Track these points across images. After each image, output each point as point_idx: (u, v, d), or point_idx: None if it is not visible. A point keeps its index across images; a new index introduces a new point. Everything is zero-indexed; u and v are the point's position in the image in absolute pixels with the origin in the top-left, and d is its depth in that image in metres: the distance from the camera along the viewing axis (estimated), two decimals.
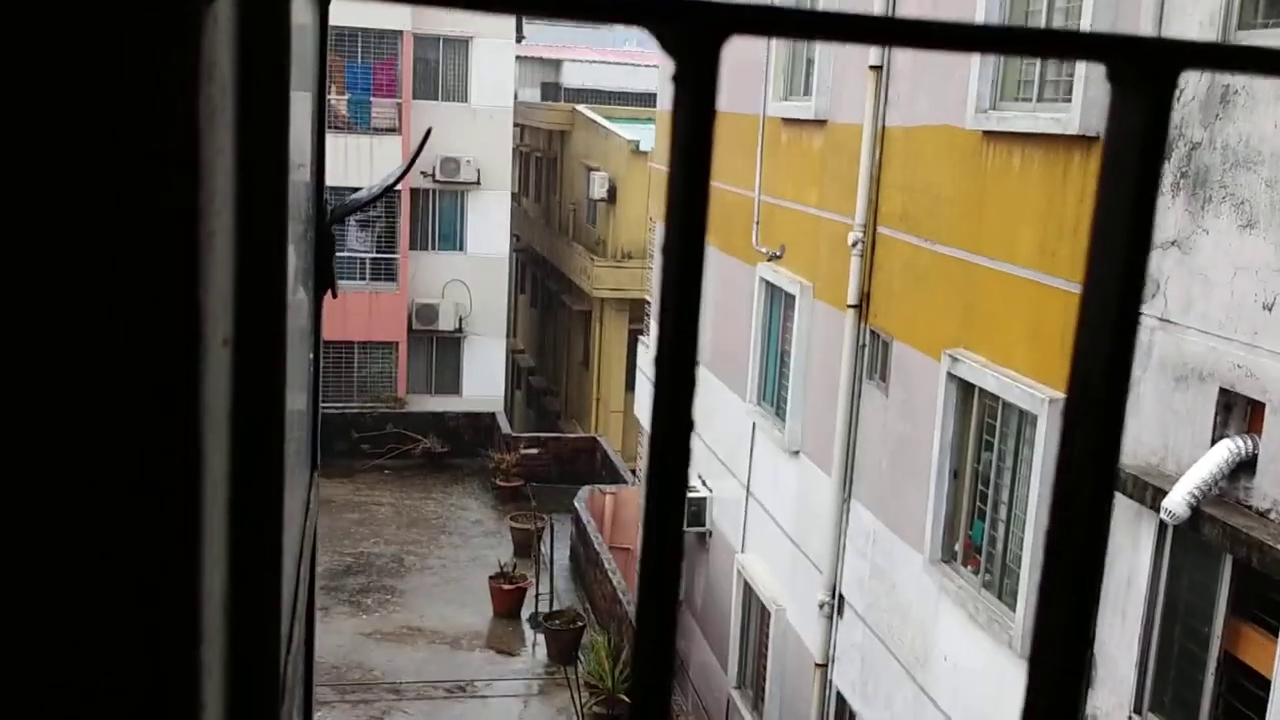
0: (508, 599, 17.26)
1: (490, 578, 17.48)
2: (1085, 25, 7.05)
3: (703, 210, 0.41)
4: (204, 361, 0.41)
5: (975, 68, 8.26)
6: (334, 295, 1.65)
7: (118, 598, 0.41)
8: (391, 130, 25.10)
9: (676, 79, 0.38)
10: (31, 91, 0.37)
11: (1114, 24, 6.88)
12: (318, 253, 1.47)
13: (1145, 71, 0.40)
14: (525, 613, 17.32)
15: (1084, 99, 7.01)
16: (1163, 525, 6.18)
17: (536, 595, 17.15)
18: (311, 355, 1.60)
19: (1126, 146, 0.41)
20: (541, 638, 16.44)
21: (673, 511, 0.44)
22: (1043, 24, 7.80)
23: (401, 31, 24.94)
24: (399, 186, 24.92)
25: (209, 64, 0.39)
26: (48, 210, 0.38)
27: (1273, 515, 5.58)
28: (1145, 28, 6.49)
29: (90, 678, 0.41)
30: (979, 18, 8.25)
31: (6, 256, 0.38)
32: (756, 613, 12.63)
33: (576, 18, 0.37)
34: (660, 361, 0.39)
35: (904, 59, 9.62)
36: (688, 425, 0.39)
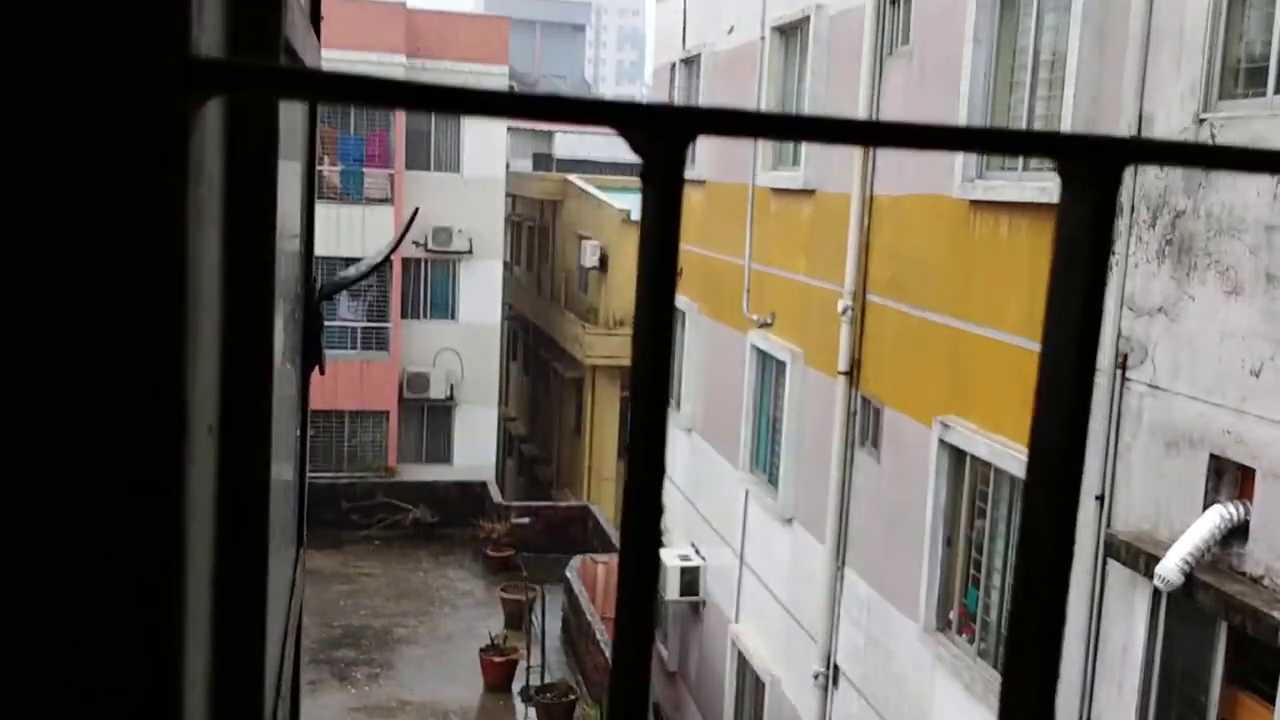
0: (499, 671, 17.01)
1: (481, 650, 17.25)
2: (1069, 96, 7.19)
3: (669, 297, 0.43)
4: (188, 451, 0.42)
5: None
6: (321, 372, 1.67)
7: (97, 690, 0.42)
8: (384, 200, 25.33)
9: (643, 176, 0.40)
10: (22, 188, 0.39)
11: (1097, 95, 7.02)
12: (306, 330, 1.49)
13: (1092, 167, 0.42)
14: (516, 685, 17.05)
15: None
16: (1156, 592, 6.15)
17: (528, 667, 16.90)
18: (299, 431, 1.60)
19: (1076, 238, 0.43)
20: (533, 711, 16.17)
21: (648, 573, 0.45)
22: (1026, 96, 7.95)
23: None
24: (391, 256, 25.07)
25: (196, 165, 0.41)
26: (34, 303, 0.40)
27: (1266, 581, 5.56)
28: (1128, 99, 6.63)
29: None
30: (963, 90, 8.41)
31: None
32: (751, 684, 12.47)
33: (550, 120, 0.39)
34: (632, 455, 0.41)
35: None
36: (656, 536, 0.41)
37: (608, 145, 39.39)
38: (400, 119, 25.42)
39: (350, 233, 24.29)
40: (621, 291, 25.10)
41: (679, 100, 15.35)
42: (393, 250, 2.62)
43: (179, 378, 0.41)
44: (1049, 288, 0.44)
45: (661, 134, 0.39)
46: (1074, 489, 0.45)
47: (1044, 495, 0.44)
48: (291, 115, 1.37)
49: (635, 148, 0.40)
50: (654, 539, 0.44)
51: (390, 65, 25.07)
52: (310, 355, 1.53)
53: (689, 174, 10.85)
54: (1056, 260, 0.44)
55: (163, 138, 0.39)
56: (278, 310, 1.13)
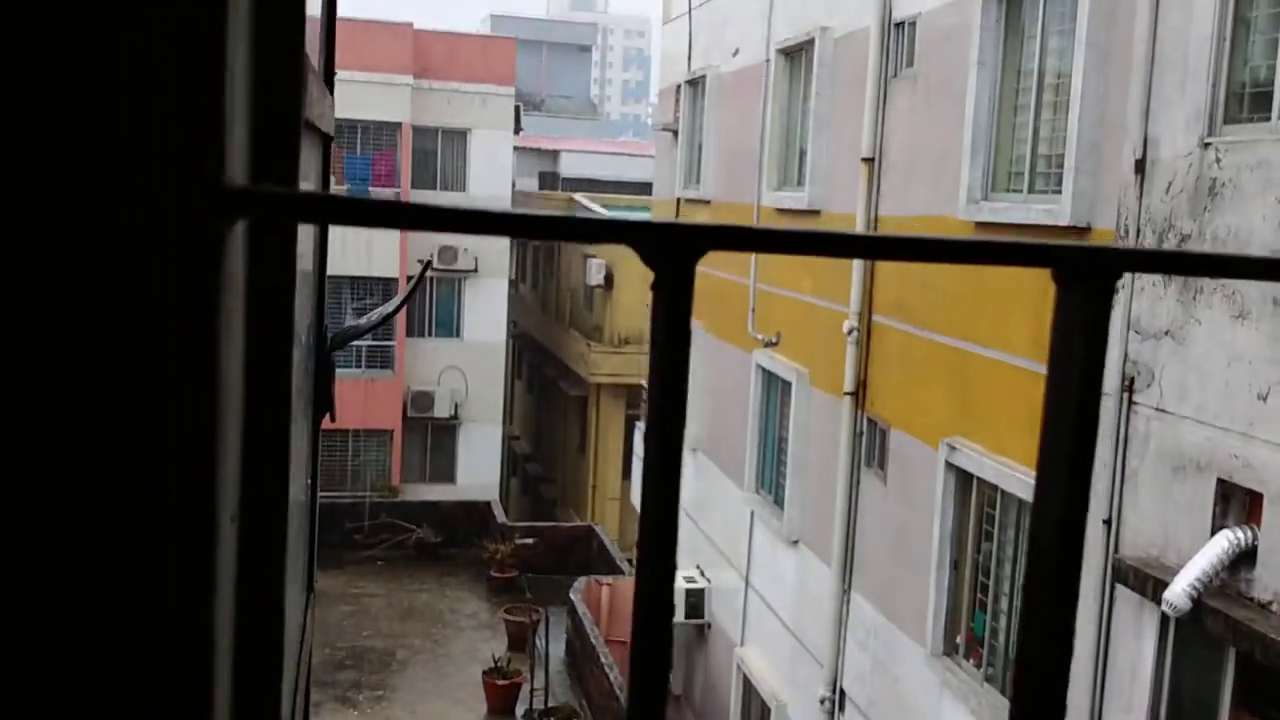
0: (502, 695, 16.95)
1: (484, 673, 17.19)
2: (1073, 119, 7.21)
3: (682, 400, 0.44)
4: (216, 542, 0.44)
5: (967, 158, 8.43)
6: (333, 419, 1.68)
7: None
8: None
9: (655, 288, 0.42)
10: (74, 307, 0.41)
11: (1101, 119, 7.04)
12: (317, 379, 1.50)
13: (1087, 274, 0.44)
14: (520, 709, 16.99)
15: (1074, 191, 7.15)
16: (1165, 617, 6.13)
17: (531, 691, 16.84)
18: (309, 480, 1.62)
19: (1072, 340, 0.44)
20: None
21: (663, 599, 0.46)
22: (1030, 119, 7.98)
23: (400, 123, 25.41)
24: (397, 275, 25.14)
25: (228, 278, 0.43)
26: (76, 409, 0.42)
27: (1274, 607, 5.54)
28: (1133, 123, 6.64)
29: None
30: (967, 113, 8.44)
31: (29, 454, 0.41)
32: (757, 708, 12.41)
33: (569, 239, 0.41)
34: (642, 550, 0.42)
35: (896, 150, 9.82)
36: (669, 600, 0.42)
37: (613, 164, 39.52)
38: (407, 138, 25.53)
39: (357, 252, 24.37)
40: (626, 310, 25.14)
41: (685, 120, 15.40)
42: (403, 303, 2.64)
43: (210, 476, 0.43)
44: (1046, 383, 0.45)
45: (673, 249, 0.40)
46: (1073, 580, 0.46)
47: (1042, 590, 0.46)
48: (306, 162, 1.39)
49: (647, 261, 0.41)
50: (667, 609, 0.45)
51: (397, 85, 25.20)
52: (321, 403, 1.55)
53: (695, 194, 10.82)
54: (1053, 358, 0.45)
55: (197, 260, 0.41)
56: (295, 368, 1.14)
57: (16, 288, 0.40)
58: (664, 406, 0.43)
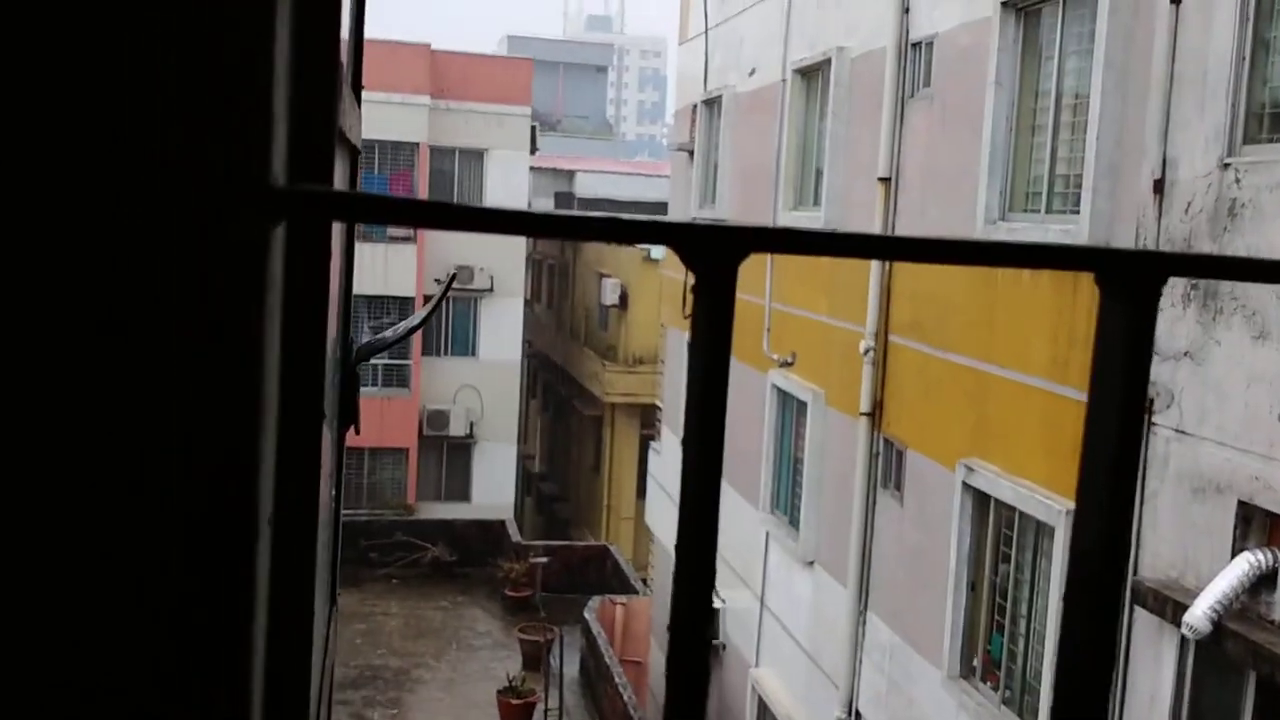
0: (516, 714, 16.88)
1: (498, 692, 17.13)
2: (1091, 139, 7.20)
3: (722, 403, 0.44)
4: (257, 545, 0.44)
5: (984, 178, 8.41)
6: (357, 432, 1.69)
7: None
8: (407, 240, 25.53)
9: (696, 291, 0.42)
10: (122, 311, 0.41)
11: (1120, 139, 7.03)
12: (343, 391, 1.51)
13: (1131, 279, 0.43)
14: None
15: (1092, 211, 7.12)
16: (1184, 640, 6.07)
17: (546, 710, 16.77)
18: (334, 491, 1.62)
19: (1116, 346, 0.44)
20: None
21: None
22: (1048, 139, 7.97)
23: (418, 144, 25.55)
24: (414, 294, 25.24)
25: (271, 278, 0.43)
26: (124, 409, 0.42)
27: None
28: (1151, 143, 6.63)
29: None
30: (985, 133, 8.43)
31: (77, 457, 0.41)
32: None
33: (611, 240, 0.41)
34: (680, 562, 0.42)
35: (913, 170, 9.81)
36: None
37: (629, 184, 39.64)
38: (424, 157, 25.67)
39: (374, 271, 24.47)
40: (641, 329, 25.15)
41: (701, 140, 15.45)
42: (430, 315, 2.66)
43: (253, 479, 0.43)
44: (1089, 399, 0.45)
45: (715, 251, 0.40)
46: (1116, 593, 0.46)
47: (1084, 598, 0.45)
48: (338, 172, 1.40)
49: (689, 264, 0.41)
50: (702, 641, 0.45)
51: (415, 105, 25.36)
52: (346, 416, 1.55)
53: (710, 213, 10.83)
54: (1096, 368, 0.45)
55: (246, 260, 0.41)
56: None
57: (67, 289, 0.41)
58: (704, 411, 0.43)
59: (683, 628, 0.46)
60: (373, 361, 25.86)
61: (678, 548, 0.46)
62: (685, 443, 0.45)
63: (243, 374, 0.42)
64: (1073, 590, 0.48)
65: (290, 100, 0.49)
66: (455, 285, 26.03)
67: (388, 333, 2.70)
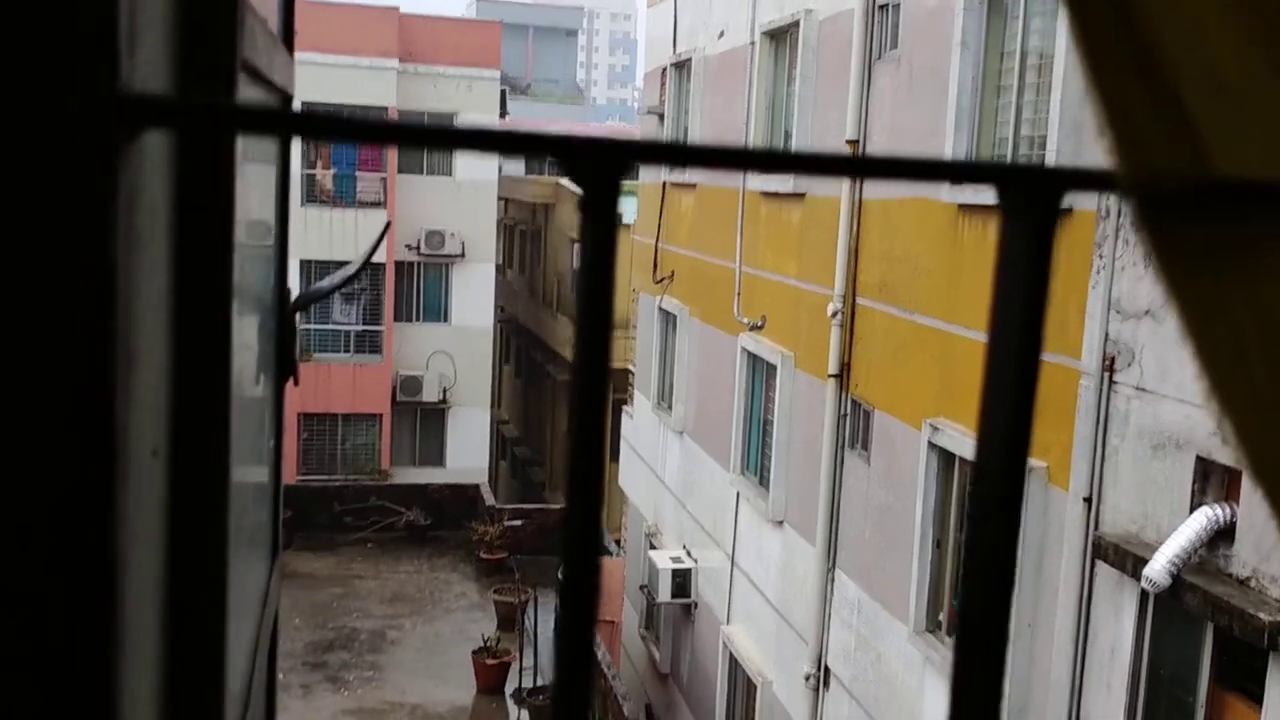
0: (491, 674, 17.01)
1: (474, 652, 17.24)
2: (1055, 100, 7.21)
3: (607, 323, 0.43)
4: (124, 471, 0.42)
5: (950, 138, 8.42)
6: (295, 383, 1.67)
7: (26, 704, 0.42)
8: (376, 204, 25.31)
9: (582, 206, 0.41)
10: None
11: (1085, 99, 7.04)
12: (279, 340, 1.49)
13: (1032, 196, 0.43)
14: (509, 688, 17.05)
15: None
16: (1144, 594, 6.17)
17: (521, 669, 16.90)
18: (273, 441, 1.60)
19: (1017, 265, 0.43)
20: (526, 714, 16.17)
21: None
22: (1013, 99, 7.98)
23: (387, 108, 25.27)
24: (384, 260, 25.05)
25: (135, 193, 0.41)
26: None
27: (1252, 583, 5.58)
28: None
29: None
30: (951, 94, 8.43)
31: None
32: (743, 685, 12.48)
33: (498, 152, 0.40)
34: (571, 482, 0.41)
35: (880, 132, 9.81)
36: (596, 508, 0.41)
37: None
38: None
39: (343, 236, 24.27)
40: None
41: (671, 104, 15.36)
42: (365, 263, 2.64)
43: (108, 400, 0.42)
44: (990, 317, 0.44)
45: (598, 164, 0.39)
46: (1015, 513, 0.45)
47: (989, 526, 0.45)
48: (264, 140, 1.37)
49: (573, 177, 0.40)
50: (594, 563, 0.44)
51: (383, 69, 25.06)
52: (284, 366, 1.53)
53: (681, 176, 10.77)
54: (997, 288, 0.44)
55: (89, 171, 0.40)
56: (246, 323, 1.13)
57: None
58: (591, 329, 0.42)
59: (575, 538, 0.46)
60: (344, 328, 25.70)
61: (569, 453, 0.45)
62: (573, 361, 0.44)
63: (93, 288, 0.41)
64: (977, 505, 0.48)
65: (175, 20, 0.47)
66: (427, 251, 25.86)
67: (324, 282, 2.68)
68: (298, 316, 1.81)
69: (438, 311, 26.62)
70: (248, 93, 0.93)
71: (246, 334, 1.04)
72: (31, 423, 0.41)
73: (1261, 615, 5.32)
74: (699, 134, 14.27)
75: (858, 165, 0.42)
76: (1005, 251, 0.43)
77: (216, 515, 0.62)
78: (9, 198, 0.39)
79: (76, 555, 0.42)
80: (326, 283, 2.64)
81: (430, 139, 0.38)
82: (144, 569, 0.48)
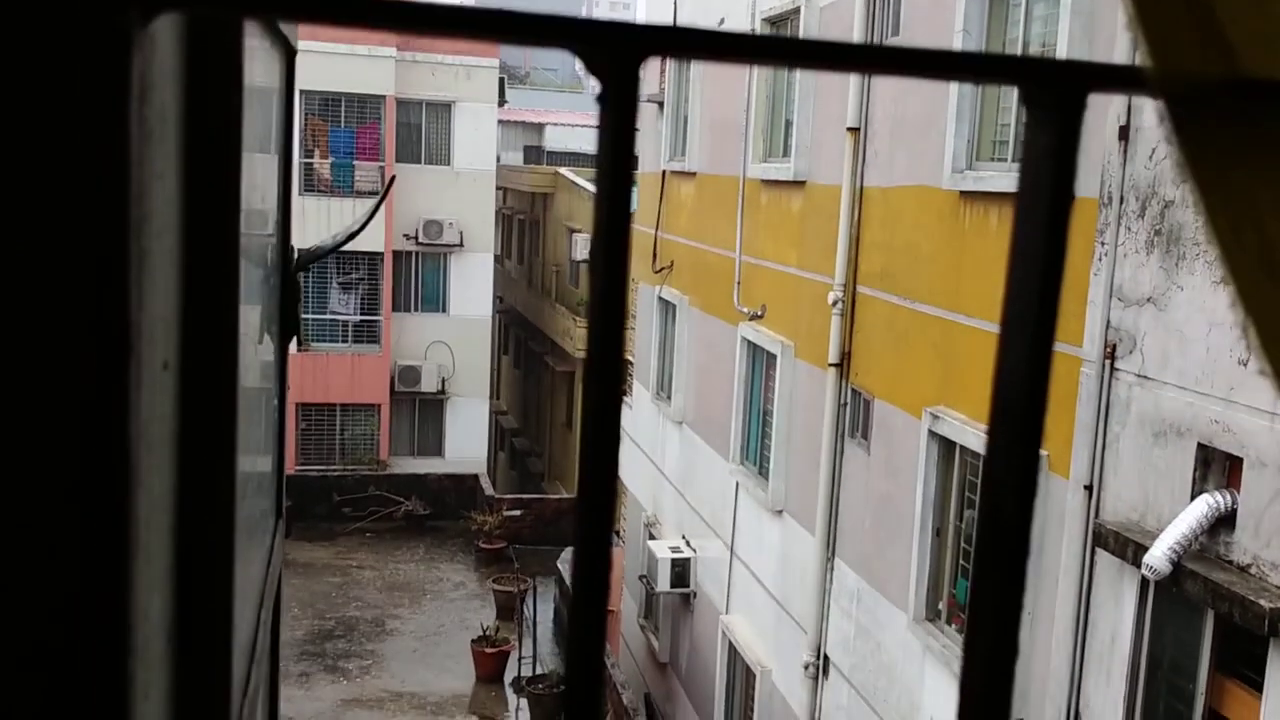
0: (490, 663, 17.03)
1: (473, 641, 17.26)
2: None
3: (626, 225, 0.42)
4: (137, 380, 0.42)
5: (951, 127, 8.40)
6: (299, 345, 1.66)
7: (43, 614, 0.41)
8: (374, 193, 25.24)
9: (600, 98, 0.40)
10: None
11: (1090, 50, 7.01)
12: (283, 299, 1.48)
13: (1056, 92, 0.42)
14: (509, 677, 17.07)
15: None
16: (1145, 581, 6.17)
17: (520, 659, 16.92)
18: (277, 402, 1.60)
19: (1041, 166, 0.43)
20: (525, 702, 16.20)
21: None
22: (1014, 102, 7.94)
23: (385, 96, 25.22)
24: (382, 249, 25.01)
25: (143, 87, 0.40)
26: None
27: (1253, 570, 5.58)
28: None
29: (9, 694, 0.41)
30: (950, 107, 8.41)
31: None
32: (741, 674, 12.49)
33: (500, 40, 0.39)
34: (588, 377, 0.40)
35: (881, 120, 9.78)
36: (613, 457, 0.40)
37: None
38: (391, 111, 25.35)
39: (342, 225, 24.20)
40: None
41: (670, 92, 15.31)
42: (369, 218, 2.62)
43: (122, 298, 0.41)
44: (1014, 221, 0.43)
45: (620, 50, 0.38)
46: (1036, 431, 0.45)
47: (1006, 433, 0.44)
48: (266, 102, 1.36)
49: (590, 68, 0.39)
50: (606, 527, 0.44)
51: (381, 57, 24.99)
52: (288, 324, 1.53)
53: (680, 166, 10.76)
54: (1021, 193, 0.43)
55: (101, 56, 0.39)
56: (252, 274, 1.12)
57: None
58: (609, 227, 0.41)
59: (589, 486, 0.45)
60: (342, 318, 25.68)
61: (586, 365, 0.44)
62: (591, 262, 0.44)
63: (106, 178, 0.40)
64: (994, 436, 0.47)
65: None
66: (425, 240, 25.81)
67: (325, 239, 2.67)
68: (300, 277, 1.81)
69: (436, 301, 26.60)
70: (260, 48, 0.92)
71: (257, 288, 1.03)
72: (43, 317, 0.40)
73: (1262, 602, 5.32)
74: (699, 123, 14.24)
75: (873, 55, 0.41)
76: (1029, 153, 0.42)
77: (225, 430, 0.62)
78: (21, 78, 0.38)
79: (93, 460, 0.42)
80: (328, 240, 2.62)
81: (440, 21, 0.37)
82: (156, 479, 0.47)
